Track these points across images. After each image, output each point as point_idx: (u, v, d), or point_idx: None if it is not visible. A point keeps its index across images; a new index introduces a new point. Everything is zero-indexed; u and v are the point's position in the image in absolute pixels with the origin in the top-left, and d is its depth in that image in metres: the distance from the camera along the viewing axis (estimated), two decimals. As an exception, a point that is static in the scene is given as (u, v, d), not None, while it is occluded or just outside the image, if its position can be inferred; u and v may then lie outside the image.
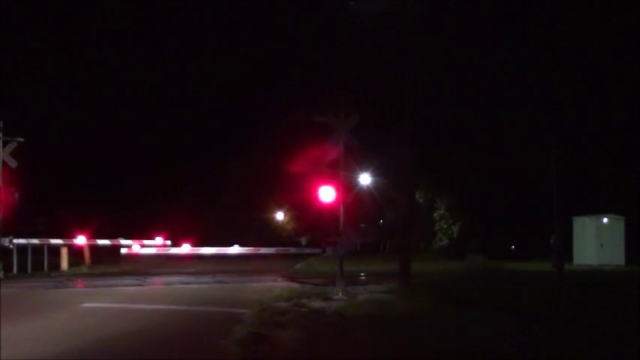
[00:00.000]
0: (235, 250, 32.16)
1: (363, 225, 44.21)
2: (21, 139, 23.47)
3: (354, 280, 19.09)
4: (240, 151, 55.13)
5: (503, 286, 15.94)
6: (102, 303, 14.40)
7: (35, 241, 25.62)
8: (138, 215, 45.45)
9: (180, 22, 61.61)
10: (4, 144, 23.20)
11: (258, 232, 57.00)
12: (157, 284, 20.42)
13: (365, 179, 35.80)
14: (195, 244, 31.25)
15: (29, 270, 24.25)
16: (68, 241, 26.86)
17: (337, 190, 16.87)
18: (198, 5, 58.65)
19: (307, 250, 34.02)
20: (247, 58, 62.48)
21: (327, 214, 17.70)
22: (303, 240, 41.40)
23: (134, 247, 29.62)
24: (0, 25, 37.70)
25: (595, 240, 30.75)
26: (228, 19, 58.44)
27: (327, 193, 17.05)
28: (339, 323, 10.84)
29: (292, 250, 33.70)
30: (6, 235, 23.37)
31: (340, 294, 15.35)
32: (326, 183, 16.98)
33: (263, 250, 32.87)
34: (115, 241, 29.21)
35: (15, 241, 23.82)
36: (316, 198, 16.99)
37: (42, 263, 25.10)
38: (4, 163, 23.13)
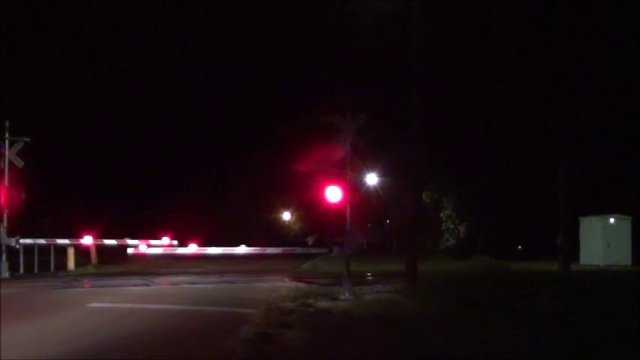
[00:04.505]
0: (242, 250, 32.09)
1: (369, 225, 44.20)
2: (27, 139, 23.50)
3: (360, 280, 19.06)
4: (247, 151, 55.26)
5: (509, 286, 15.94)
6: (108, 303, 14.40)
7: (42, 241, 25.62)
8: (144, 215, 45.49)
9: (186, 22, 61.67)
10: (11, 144, 23.24)
11: (265, 232, 57.03)
12: (164, 284, 20.42)
13: (372, 179, 35.82)
14: (202, 244, 31.20)
15: (36, 270, 24.28)
16: (75, 241, 26.87)
17: (344, 190, 16.79)
18: (206, 5, 58.76)
19: (314, 250, 33.88)
20: (254, 58, 62.57)
21: (333, 214, 17.63)
22: (310, 240, 41.35)
23: (141, 247, 29.58)
24: (6, 25, 37.76)
25: (602, 240, 30.68)
26: (234, 18, 58.38)
27: (333, 194, 16.97)
28: (346, 323, 10.82)
29: (299, 250, 33.50)
30: (12, 235, 23.38)
31: (347, 294, 15.30)
32: (333, 183, 16.89)
33: (270, 250, 32.77)
34: (121, 241, 29.19)
35: (21, 241, 23.82)
36: (323, 198, 16.92)
37: (48, 263, 25.13)
38: (11, 163, 23.17)
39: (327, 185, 16.87)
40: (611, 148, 35.89)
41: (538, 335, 9.54)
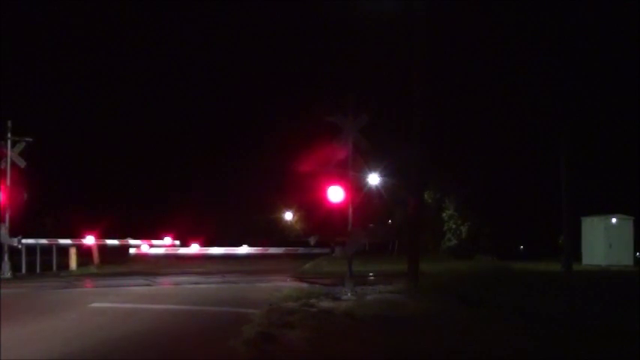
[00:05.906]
0: (244, 250, 32.10)
1: (371, 225, 44.18)
2: (30, 139, 23.56)
3: (362, 280, 19.03)
4: (249, 150, 55.27)
5: (511, 286, 15.90)
6: (111, 303, 14.40)
7: (44, 241, 25.65)
8: (146, 215, 45.50)
9: (189, 22, 61.72)
10: (13, 144, 23.29)
11: (267, 232, 56.92)
12: (166, 284, 20.42)
13: (374, 179, 35.79)
14: (204, 244, 31.21)
15: (38, 270, 24.32)
16: (77, 242, 26.89)
17: (346, 190, 16.76)
18: (209, 4, 58.77)
19: (316, 250, 33.86)
20: (256, 57, 62.57)
21: (335, 214, 17.58)
22: (312, 240, 41.36)
23: (143, 247, 29.61)
24: (9, 26, 37.80)
25: (604, 240, 30.68)
26: (237, 18, 58.41)
27: (335, 193, 16.93)
28: (348, 323, 10.80)
29: (301, 250, 33.50)
30: (15, 235, 23.41)
31: (349, 294, 15.30)
32: (334, 183, 16.84)
33: (272, 250, 32.81)
34: (123, 241, 29.22)
35: (23, 241, 23.85)
36: (325, 198, 16.87)
37: (51, 263, 25.16)
38: (13, 163, 23.20)
39: (330, 185, 16.84)
40: (612, 148, 35.90)
41: (540, 335, 9.53)
